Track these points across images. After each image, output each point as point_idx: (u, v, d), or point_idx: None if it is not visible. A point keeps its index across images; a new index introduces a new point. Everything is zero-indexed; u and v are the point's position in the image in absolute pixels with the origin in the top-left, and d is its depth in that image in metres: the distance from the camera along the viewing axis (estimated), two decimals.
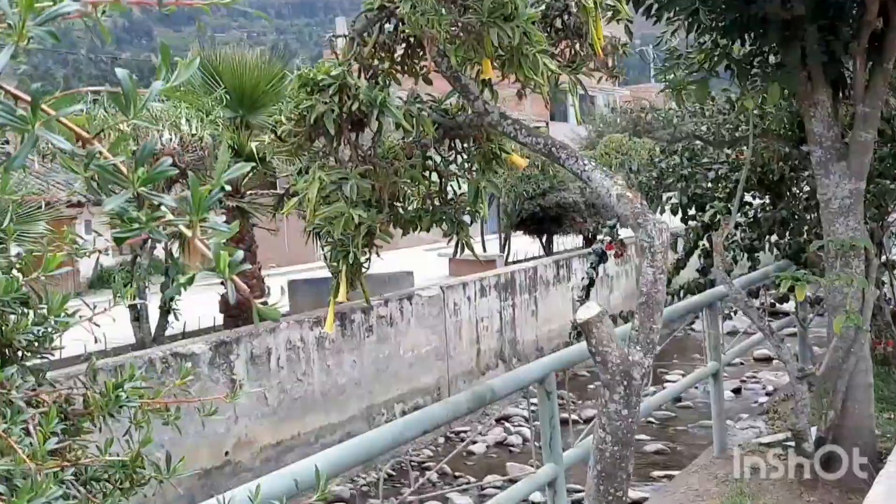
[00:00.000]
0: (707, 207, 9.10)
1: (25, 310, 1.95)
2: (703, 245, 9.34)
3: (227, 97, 11.75)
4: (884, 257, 8.63)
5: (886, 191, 7.92)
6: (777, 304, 9.77)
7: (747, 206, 9.22)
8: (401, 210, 4.65)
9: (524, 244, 21.88)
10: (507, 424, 13.06)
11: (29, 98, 1.30)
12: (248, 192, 12.44)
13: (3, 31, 1.23)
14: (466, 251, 4.53)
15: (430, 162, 4.49)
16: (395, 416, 11.76)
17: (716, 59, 6.96)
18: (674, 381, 10.71)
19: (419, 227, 4.68)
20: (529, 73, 3.80)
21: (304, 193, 4.22)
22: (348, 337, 11.03)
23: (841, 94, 6.73)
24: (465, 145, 4.48)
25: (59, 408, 1.88)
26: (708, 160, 9.56)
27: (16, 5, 1.23)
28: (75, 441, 1.88)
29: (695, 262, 9.77)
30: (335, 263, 4.60)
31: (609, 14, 4.23)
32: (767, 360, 14.37)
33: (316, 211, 4.10)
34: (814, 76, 6.35)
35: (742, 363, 14.19)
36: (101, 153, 1.41)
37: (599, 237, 9.65)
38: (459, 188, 4.67)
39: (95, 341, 2.61)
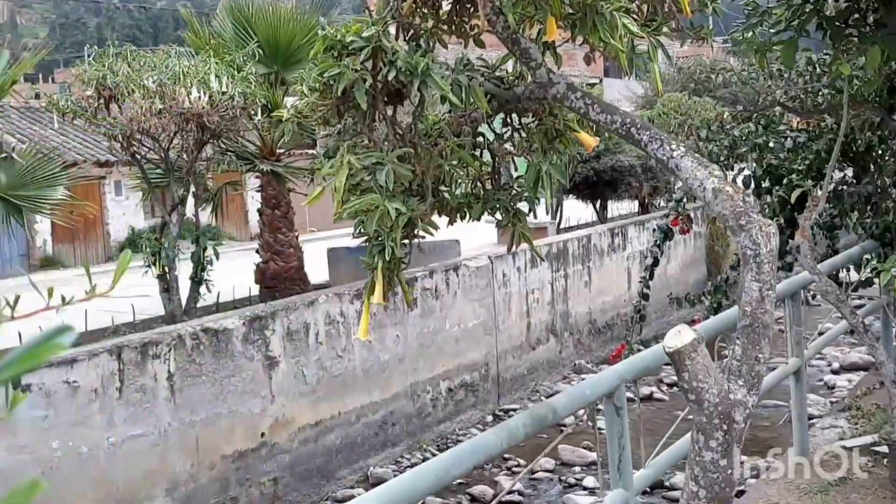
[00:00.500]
0: (784, 181, 8.26)
1: None
2: (779, 222, 8.51)
3: (261, 52, 11.09)
4: None
5: None
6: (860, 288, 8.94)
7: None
8: (447, 196, 3.85)
9: (577, 210, 21.05)
10: None
11: None
12: (284, 155, 11.82)
13: None
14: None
15: (481, 140, 3.79)
16: (441, 394, 11.18)
17: (805, 16, 6.12)
18: None
19: (468, 216, 3.97)
20: (606, 36, 3.07)
21: (329, 181, 3.48)
22: (391, 310, 10.40)
23: None
24: (524, 120, 3.77)
25: None
26: (784, 127, 8.71)
27: None
28: None
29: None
30: (370, 259, 3.94)
31: None
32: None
33: (344, 202, 3.43)
34: None
35: None
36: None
37: (664, 213, 8.86)
38: (516, 170, 3.97)
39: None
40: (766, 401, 9.84)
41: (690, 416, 5.18)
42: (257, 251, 12.28)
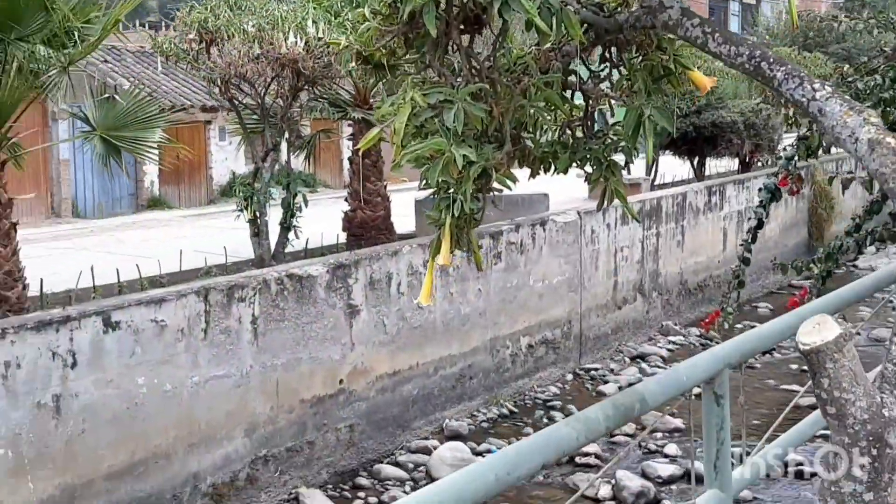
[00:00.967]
0: None
1: None
2: None
3: None
4: None
5: None
6: None
7: None
8: (529, 144, 3.33)
9: (673, 166, 20.55)
10: (642, 364, 12.28)
11: None
12: (377, 103, 11.84)
13: None
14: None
15: (573, 78, 3.25)
16: (521, 350, 11.15)
17: None
18: None
19: (554, 168, 3.52)
20: None
21: (388, 122, 3.02)
22: (474, 263, 10.37)
23: None
24: (625, 56, 3.23)
25: None
26: None
27: None
28: None
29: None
30: (436, 214, 3.60)
31: None
32: None
33: (404, 146, 2.94)
34: None
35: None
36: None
37: (773, 171, 8.44)
38: (612, 116, 3.43)
39: None
40: None
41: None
42: (346, 199, 12.39)
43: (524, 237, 11.16)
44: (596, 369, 11.86)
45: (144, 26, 22.00)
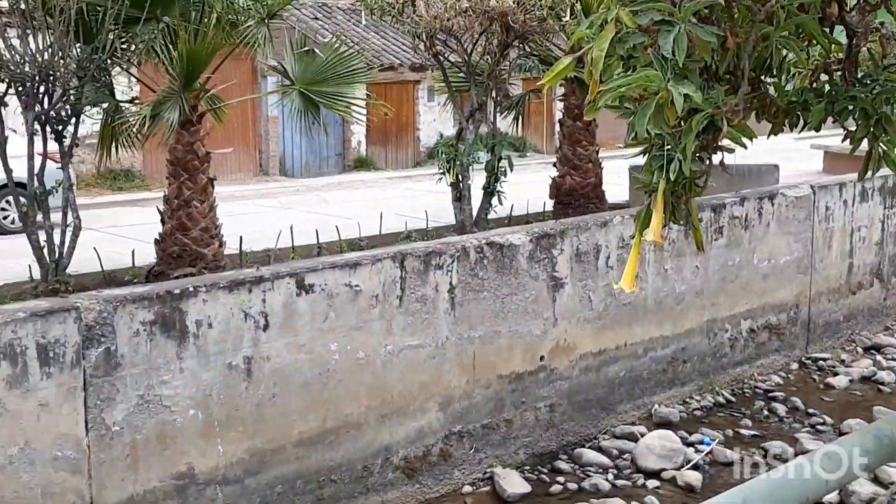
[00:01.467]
0: None
1: None
2: None
3: None
4: None
5: None
6: None
7: None
8: (772, 90, 2.66)
9: None
10: (877, 357, 11.02)
11: None
12: None
13: None
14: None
15: (833, 9, 2.51)
16: (741, 334, 10.18)
17: None
18: None
19: (802, 122, 2.74)
20: None
21: (583, 51, 2.41)
22: (693, 238, 9.47)
23: None
24: None
25: None
26: None
27: None
28: None
29: None
30: (646, 177, 2.96)
31: None
32: None
33: (604, 82, 2.33)
34: None
35: None
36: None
37: None
38: (883, 58, 2.68)
39: None
40: None
41: None
42: (554, 164, 11.71)
43: (749, 211, 10.14)
44: (825, 359, 10.77)
45: None
